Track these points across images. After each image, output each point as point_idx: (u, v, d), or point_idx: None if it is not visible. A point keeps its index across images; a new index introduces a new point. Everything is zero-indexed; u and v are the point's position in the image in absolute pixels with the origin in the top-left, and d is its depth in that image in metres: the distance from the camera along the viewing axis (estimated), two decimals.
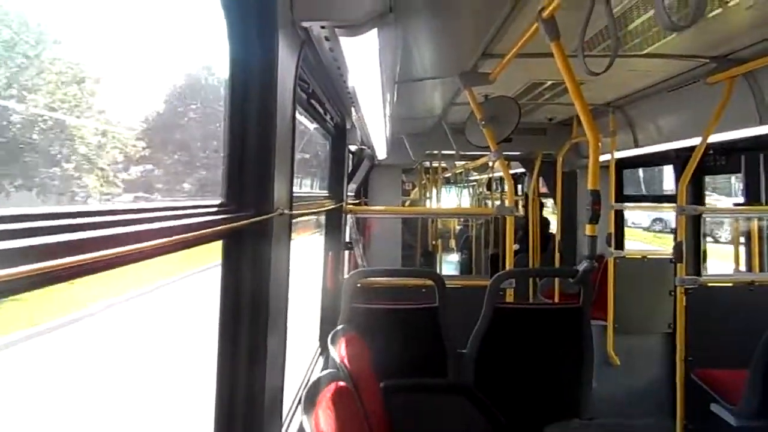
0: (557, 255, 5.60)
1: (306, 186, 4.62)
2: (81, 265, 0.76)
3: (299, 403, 1.81)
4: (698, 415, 3.47)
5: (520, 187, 8.87)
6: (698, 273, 3.95)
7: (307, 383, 1.63)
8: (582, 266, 2.64)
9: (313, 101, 2.30)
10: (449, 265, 10.86)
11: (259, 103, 1.40)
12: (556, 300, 5.26)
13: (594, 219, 2.40)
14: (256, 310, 1.43)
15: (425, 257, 8.41)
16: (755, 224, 4.24)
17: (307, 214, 2.50)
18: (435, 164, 7.99)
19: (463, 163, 8.22)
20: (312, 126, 2.92)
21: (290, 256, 1.73)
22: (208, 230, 1.15)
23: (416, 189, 10.96)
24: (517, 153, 6.17)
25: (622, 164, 5.39)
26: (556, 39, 2.22)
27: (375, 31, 1.55)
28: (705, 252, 4.46)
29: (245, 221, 1.33)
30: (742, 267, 4.50)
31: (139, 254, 0.92)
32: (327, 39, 1.63)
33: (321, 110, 2.55)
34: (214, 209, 1.30)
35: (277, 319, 1.58)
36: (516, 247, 6.17)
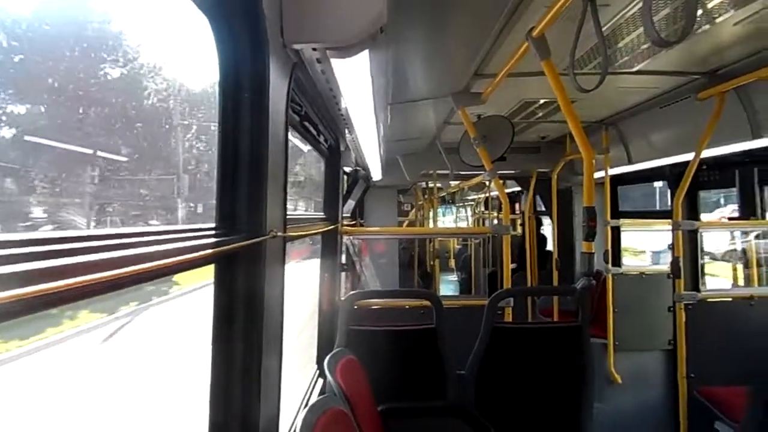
0: (555, 273, 5.58)
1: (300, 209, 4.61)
2: (71, 290, 0.76)
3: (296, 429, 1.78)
4: None
5: (517, 205, 8.90)
6: (697, 288, 3.93)
7: (305, 408, 1.60)
8: (579, 284, 2.63)
9: (306, 123, 2.31)
10: (448, 285, 10.83)
11: (250, 126, 1.39)
12: (555, 318, 5.23)
13: (590, 236, 2.40)
14: (250, 334, 1.42)
15: (423, 278, 8.37)
16: (752, 238, 4.24)
17: (301, 236, 2.49)
18: (431, 184, 8.00)
19: (458, 182, 8.24)
20: (306, 148, 2.92)
21: (285, 279, 1.71)
22: (199, 253, 1.14)
23: (413, 210, 10.96)
24: (512, 171, 6.20)
25: (617, 181, 5.41)
26: (547, 57, 2.24)
27: (366, 52, 1.56)
28: (703, 267, 4.45)
29: (238, 244, 1.32)
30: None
31: (129, 279, 0.91)
32: (318, 61, 1.64)
33: (314, 132, 2.56)
34: (206, 233, 1.29)
35: (272, 343, 1.56)
36: (514, 265, 6.16)
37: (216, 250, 1.23)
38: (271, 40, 1.38)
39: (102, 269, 0.82)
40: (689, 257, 4.23)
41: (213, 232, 1.32)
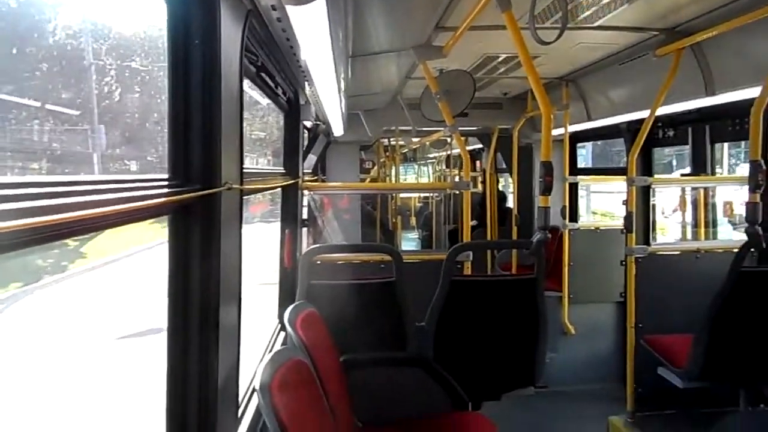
0: (514, 229, 5.70)
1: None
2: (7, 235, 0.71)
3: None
4: (648, 379, 3.61)
5: (478, 163, 8.96)
6: (647, 242, 4.07)
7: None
8: (535, 237, 2.68)
9: (263, 74, 2.24)
10: (410, 242, 10.94)
11: (201, 74, 1.34)
12: (514, 272, 5.36)
13: (547, 190, 2.44)
14: (206, 288, 1.40)
15: (386, 235, 8.42)
16: (701, 194, 4.40)
17: (260, 191, 2.45)
18: (393, 141, 7.95)
19: (419, 139, 8.25)
20: (265, 101, 2.85)
21: (242, 233, 1.69)
22: (151, 202, 1.11)
23: (375, 167, 10.92)
24: (474, 128, 6.22)
25: (575, 138, 5.49)
26: (508, 9, 2.22)
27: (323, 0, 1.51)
28: (654, 222, 4.61)
29: (191, 194, 1.29)
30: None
31: (77, 227, 0.88)
32: (274, 8, 1.58)
33: (272, 84, 2.49)
34: (159, 183, 1.25)
35: (230, 297, 1.55)
36: (474, 222, 6.24)
37: (169, 199, 1.20)
38: None
39: (42, 214, 0.77)
40: (642, 213, 4.37)
41: (166, 183, 1.29)
